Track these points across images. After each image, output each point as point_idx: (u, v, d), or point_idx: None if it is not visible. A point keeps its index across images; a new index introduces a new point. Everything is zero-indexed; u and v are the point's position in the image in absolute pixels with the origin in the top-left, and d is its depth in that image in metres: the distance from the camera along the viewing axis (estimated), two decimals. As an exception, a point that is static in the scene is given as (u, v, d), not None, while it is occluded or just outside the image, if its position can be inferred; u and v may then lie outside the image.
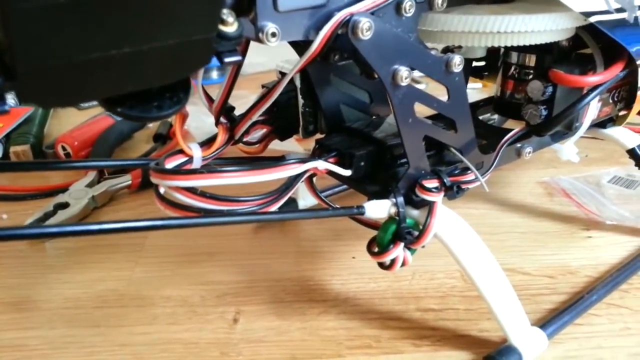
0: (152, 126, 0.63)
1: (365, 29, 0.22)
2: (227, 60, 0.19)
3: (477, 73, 0.41)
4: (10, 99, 0.46)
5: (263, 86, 0.31)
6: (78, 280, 0.37)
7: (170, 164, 0.25)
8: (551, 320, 0.31)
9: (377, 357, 0.31)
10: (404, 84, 0.25)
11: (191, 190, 0.23)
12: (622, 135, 0.39)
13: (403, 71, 0.24)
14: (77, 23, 0.15)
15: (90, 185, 0.47)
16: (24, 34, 0.15)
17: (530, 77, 0.33)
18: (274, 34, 0.21)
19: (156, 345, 0.32)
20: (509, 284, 0.29)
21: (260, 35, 0.21)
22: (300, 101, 0.32)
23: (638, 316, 0.33)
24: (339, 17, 0.22)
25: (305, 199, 0.43)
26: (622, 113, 0.38)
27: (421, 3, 0.25)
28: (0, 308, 0.35)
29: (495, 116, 0.44)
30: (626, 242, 0.40)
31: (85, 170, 0.50)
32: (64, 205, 0.44)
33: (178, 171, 0.24)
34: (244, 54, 0.25)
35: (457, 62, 0.26)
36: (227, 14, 0.19)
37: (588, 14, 0.28)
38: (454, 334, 0.32)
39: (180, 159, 0.26)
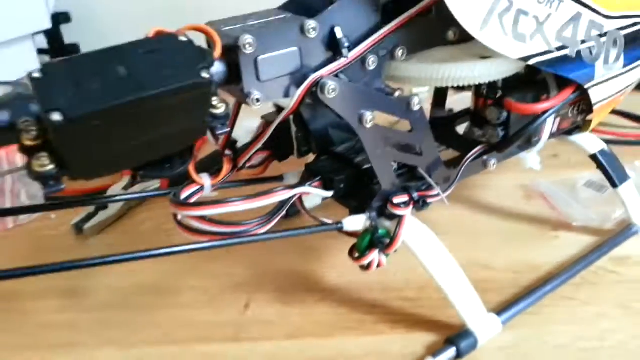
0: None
1: (331, 90, 0.29)
2: (218, 132, 0.26)
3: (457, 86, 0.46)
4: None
5: (262, 117, 0.38)
6: (117, 272, 0.44)
7: (185, 193, 0.32)
8: (506, 308, 0.37)
9: (360, 337, 0.37)
10: (368, 126, 0.31)
11: (202, 218, 0.30)
12: (585, 141, 0.43)
13: (368, 115, 0.31)
14: (107, 133, 0.22)
15: (125, 187, 0.55)
16: (72, 144, 0.22)
17: (498, 95, 0.38)
18: (258, 100, 0.28)
19: (183, 325, 0.39)
20: (466, 279, 0.35)
21: (247, 100, 0.28)
22: (293, 128, 0.38)
23: (586, 307, 0.38)
24: (310, 80, 0.29)
25: (310, 200, 0.49)
26: (587, 119, 0.42)
27: (384, 56, 0.31)
28: (55, 295, 0.43)
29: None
30: (590, 241, 0.45)
31: (121, 174, 0.58)
32: (104, 206, 0.52)
33: (191, 203, 0.31)
34: (237, 111, 0.32)
35: (416, 102, 0.32)
36: (217, 101, 0.25)
37: (526, 59, 0.33)
38: (426, 319, 0.38)
39: (194, 188, 0.33)
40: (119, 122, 0.22)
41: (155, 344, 0.38)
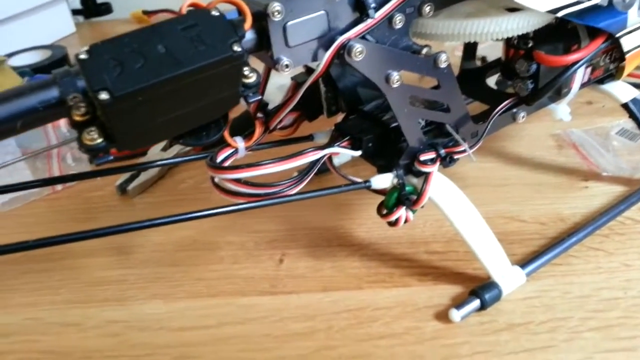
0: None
1: (358, 52, 0.29)
2: (250, 101, 0.27)
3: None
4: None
5: (292, 78, 0.38)
6: (161, 230, 0.47)
7: (221, 156, 0.34)
8: (530, 260, 0.38)
9: (389, 289, 0.39)
10: (395, 85, 0.31)
11: (237, 180, 0.32)
12: (617, 90, 0.43)
13: (394, 75, 0.31)
14: (150, 108, 0.24)
15: (164, 149, 0.57)
16: (119, 119, 0.23)
17: (530, 45, 0.38)
18: (287, 65, 0.29)
19: (223, 279, 0.42)
20: (491, 233, 0.36)
21: (277, 66, 0.29)
22: (322, 88, 0.39)
23: (611, 257, 0.39)
24: (337, 43, 0.29)
25: (339, 158, 0.50)
26: (620, 65, 0.42)
27: (410, 14, 0.32)
28: (104, 252, 0.46)
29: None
30: (618, 191, 0.45)
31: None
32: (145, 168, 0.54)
33: (226, 167, 0.33)
34: (267, 76, 0.33)
35: (443, 59, 0.32)
36: (248, 70, 0.26)
37: (555, 11, 0.33)
38: (453, 271, 0.40)
39: (229, 151, 0.34)
40: (160, 97, 0.24)
41: (197, 297, 0.40)
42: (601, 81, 0.43)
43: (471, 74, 0.46)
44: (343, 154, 0.35)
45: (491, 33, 0.33)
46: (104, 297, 0.41)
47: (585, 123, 0.54)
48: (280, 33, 0.29)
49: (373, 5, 0.30)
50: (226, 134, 0.34)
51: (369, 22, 0.30)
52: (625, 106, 0.43)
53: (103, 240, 0.46)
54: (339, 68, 0.39)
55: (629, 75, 0.44)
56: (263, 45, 0.29)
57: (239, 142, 0.35)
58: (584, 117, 0.55)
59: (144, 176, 0.54)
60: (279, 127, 0.38)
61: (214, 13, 0.25)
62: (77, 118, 0.23)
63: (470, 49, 0.47)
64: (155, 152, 0.57)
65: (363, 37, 0.30)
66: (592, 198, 0.45)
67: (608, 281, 0.37)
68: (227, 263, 0.43)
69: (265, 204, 0.32)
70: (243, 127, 0.37)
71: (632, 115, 0.43)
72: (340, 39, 0.30)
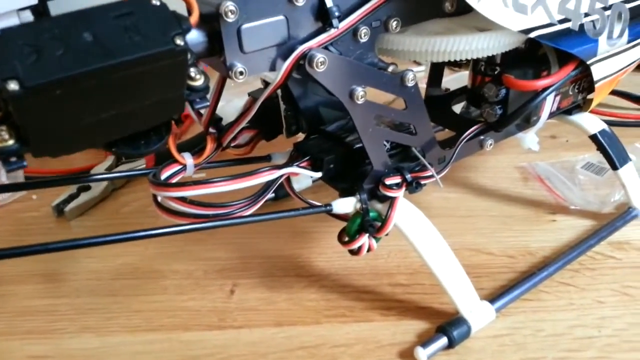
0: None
1: (320, 62, 0.27)
2: (197, 107, 0.24)
3: (454, 63, 0.44)
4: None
5: (249, 94, 0.36)
6: (99, 256, 0.43)
7: (166, 173, 0.30)
8: (500, 295, 0.36)
9: (349, 324, 0.36)
10: (360, 102, 0.29)
11: (182, 199, 0.28)
12: (586, 121, 0.42)
13: (359, 91, 0.29)
14: (72, 105, 0.20)
15: (109, 168, 0.53)
16: (32, 116, 0.20)
17: (497, 72, 0.36)
18: (241, 73, 0.26)
19: (165, 311, 0.38)
20: (459, 265, 0.34)
21: (230, 73, 0.26)
22: (282, 106, 0.36)
23: (583, 293, 0.37)
24: (297, 52, 0.27)
25: (300, 182, 0.47)
26: (588, 97, 0.41)
27: (377, 27, 0.29)
28: (33, 279, 0.41)
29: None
30: (587, 225, 0.43)
31: (105, 154, 0.56)
32: (86, 188, 0.50)
33: (171, 184, 0.29)
34: (221, 86, 0.30)
35: (410, 78, 0.30)
36: (195, 72, 0.23)
37: (527, 31, 0.31)
38: (418, 305, 0.37)
39: (176, 168, 0.31)
40: (84, 93, 0.20)
41: (134, 331, 0.36)
42: (568, 112, 0.42)
43: (437, 101, 0.44)
44: (302, 175, 0.33)
45: (460, 52, 0.31)
46: (28, 328, 0.37)
47: (550, 157, 0.53)
48: (234, 36, 0.26)
49: (337, 14, 0.28)
50: (173, 147, 0.31)
51: (332, 33, 0.28)
52: (593, 138, 0.42)
53: (32, 266, 0.42)
54: (300, 86, 0.36)
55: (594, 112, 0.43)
56: (215, 49, 0.26)
57: (187, 159, 0.32)
58: (548, 150, 0.54)
59: (84, 197, 0.49)
60: (233, 145, 0.35)
61: (155, 2, 0.22)
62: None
63: (436, 74, 0.45)
64: (100, 170, 0.52)
65: (326, 48, 0.28)
66: (561, 231, 0.43)
67: (581, 318, 0.35)
68: (171, 294, 0.39)
69: (213, 226, 0.29)
70: (195, 147, 0.34)
71: (600, 148, 0.42)
72: (301, 48, 0.27)
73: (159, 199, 0.30)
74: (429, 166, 0.33)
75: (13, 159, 0.21)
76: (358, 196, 0.32)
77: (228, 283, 0.40)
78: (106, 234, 0.27)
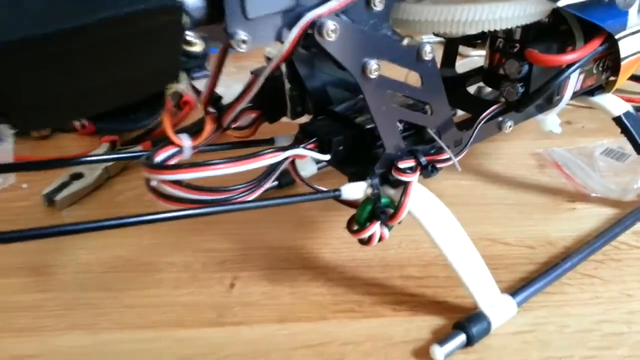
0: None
1: (331, 30, 0.24)
2: (195, 75, 0.21)
3: (469, 42, 0.41)
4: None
5: (252, 72, 0.33)
6: (90, 247, 0.40)
7: (161, 156, 0.27)
8: (521, 288, 0.33)
9: (358, 320, 0.33)
10: (373, 76, 0.26)
11: (178, 183, 0.25)
12: (609, 102, 0.40)
13: (372, 64, 0.26)
14: (53, 68, 0.18)
15: (102, 155, 0.50)
16: (8, 80, 0.17)
17: (516, 49, 0.34)
18: (244, 41, 0.23)
19: (160, 307, 0.35)
20: (479, 255, 0.31)
21: (231, 42, 0.23)
22: (287, 85, 0.33)
23: (609, 286, 0.35)
24: (306, 19, 0.24)
25: (305, 169, 0.45)
26: (611, 79, 0.39)
27: (392, -5, 0.27)
28: (19, 272, 0.38)
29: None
30: (608, 214, 0.41)
31: (99, 141, 0.53)
32: (79, 176, 0.47)
33: (165, 166, 0.27)
34: (222, 59, 0.27)
35: (427, 51, 0.28)
36: (193, 37, 0.20)
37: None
38: (432, 299, 0.35)
39: (172, 150, 0.28)
40: (69, 53, 0.17)
41: (127, 328, 0.34)
42: (590, 93, 0.40)
43: (451, 82, 0.41)
44: (308, 160, 0.30)
45: (483, 21, 0.28)
46: (13, 325, 0.34)
47: (566, 143, 0.50)
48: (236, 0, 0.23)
49: None
50: (168, 127, 0.28)
51: None
52: (617, 120, 0.40)
53: (17, 259, 0.39)
54: (307, 64, 0.33)
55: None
56: (215, 16, 0.23)
57: (185, 140, 0.29)
58: (564, 137, 0.51)
59: (76, 185, 0.46)
60: (234, 126, 0.32)
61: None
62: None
63: (449, 54, 0.42)
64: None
65: (336, 17, 0.25)
66: (581, 220, 0.41)
67: (608, 313, 0.33)
68: (167, 288, 0.37)
69: (212, 212, 0.26)
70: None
71: (624, 130, 0.40)
72: (311, 15, 0.24)
73: (153, 183, 0.27)
74: (446, 148, 0.31)
75: None
76: (369, 181, 0.29)
77: (228, 276, 0.37)
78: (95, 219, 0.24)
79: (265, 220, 0.42)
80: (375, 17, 0.27)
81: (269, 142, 0.35)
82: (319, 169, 0.45)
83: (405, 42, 0.28)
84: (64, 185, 0.46)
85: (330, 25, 0.24)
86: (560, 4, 0.29)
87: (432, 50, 0.28)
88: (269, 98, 0.34)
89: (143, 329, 0.33)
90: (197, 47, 0.21)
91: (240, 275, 0.38)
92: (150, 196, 0.28)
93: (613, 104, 0.39)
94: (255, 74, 0.33)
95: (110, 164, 0.49)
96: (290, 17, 0.25)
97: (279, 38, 0.25)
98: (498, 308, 0.31)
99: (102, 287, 0.37)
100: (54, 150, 0.54)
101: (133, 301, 0.36)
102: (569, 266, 0.35)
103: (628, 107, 0.40)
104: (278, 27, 0.25)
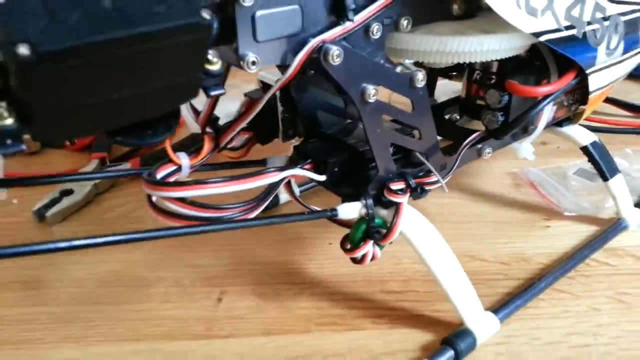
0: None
1: (336, 56, 0.26)
2: (212, 93, 0.22)
3: (445, 73, 0.44)
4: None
5: (245, 95, 0.34)
6: (82, 262, 0.41)
7: (161, 173, 0.28)
8: (503, 305, 0.35)
9: (340, 333, 0.35)
10: (371, 100, 0.28)
11: (182, 200, 0.27)
12: (577, 133, 0.42)
13: (370, 89, 0.28)
14: (83, 79, 0.18)
15: (93, 172, 0.51)
16: (39, 89, 0.18)
17: (492, 81, 0.36)
18: (254, 62, 0.25)
19: (150, 320, 0.36)
20: (464, 275, 0.33)
21: (241, 63, 0.24)
22: (280, 108, 0.35)
23: (579, 300, 0.37)
24: (312, 44, 0.26)
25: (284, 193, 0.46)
26: (579, 111, 0.41)
27: (388, 25, 0.29)
28: (12, 286, 0.39)
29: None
30: (582, 231, 0.43)
31: (89, 158, 0.54)
32: (69, 192, 0.48)
33: (169, 183, 0.28)
34: (225, 76, 0.28)
35: (420, 78, 0.29)
36: (212, 55, 0.22)
37: (538, 34, 0.31)
38: (411, 313, 0.36)
39: (170, 168, 0.29)
40: (101, 65, 0.18)
41: (118, 340, 0.34)
42: (559, 124, 0.42)
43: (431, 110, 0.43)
44: (306, 177, 0.31)
45: (471, 52, 0.30)
46: (4, 338, 0.35)
47: (542, 163, 0.52)
48: (248, 23, 0.25)
49: (353, 6, 0.27)
50: (168, 146, 0.29)
51: (347, 26, 0.27)
52: (584, 149, 0.42)
53: (9, 273, 0.40)
54: (300, 88, 0.35)
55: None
56: (226, 37, 0.25)
57: (183, 159, 0.30)
58: (539, 157, 0.52)
59: (66, 201, 0.47)
60: (229, 147, 0.34)
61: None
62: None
63: (430, 84, 0.45)
64: None
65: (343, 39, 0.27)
66: (555, 238, 0.43)
67: (577, 326, 0.35)
68: (157, 302, 0.38)
69: (213, 229, 0.27)
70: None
71: (591, 159, 0.42)
72: (316, 40, 0.26)
73: (154, 199, 0.28)
74: (434, 171, 0.33)
75: (9, 141, 0.19)
76: (363, 201, 0.31)
77: (216, 291, 0.39)
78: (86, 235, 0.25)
79: (252, 238, 0.43)
80: (372, 45, 0.29)
81: (261, 163, 0.36)
82: (301, 191, 0.46)
83: (399, 69, 0.30)
84: (54, 202, 0.47)
85: (335, 50, 0.26)
86: (542, 38, 0.31)
87: (424, 78, 0.29)
88: (262, 120, 0.35)
89: (133, 341, 0.34)
90: (216, 65, 0.22)
91: (228, 289, 0.39)
92: (141, 213, 0.29)
93: (580, 134, 0.42)
94: (250, 96, 0.35)
95: (99, 180, 0.50)
96: (296, 41, 0.27)
97: (284, 61, 0.27)
98: (482, 324, 0.33)
99: (93, 302, 0.38)
100: (43, 166, 0.55)
101: (123, 315, 0.36)
102: (543, 285, 0.37)
103: (594, 137, 0.42)
104: (284, 50, 0.27)
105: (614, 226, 0.43)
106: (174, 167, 0.30)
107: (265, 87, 0.34)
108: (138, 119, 0.22)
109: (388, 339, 0.34)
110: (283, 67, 0.28)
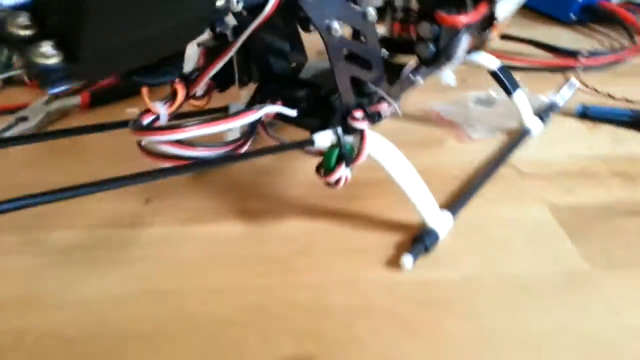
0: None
1: (310, -7, 0.28)
2: (218, 29, 0.24)
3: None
4: None
5: (199, 45, 0.35)
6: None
7: (146, 121, 0.29)
8: (454, 204, 0.41)
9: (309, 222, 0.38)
10: (337, 35, 0.31)
11: (178, 142, 0.28)
12: (486, 60, 0.49)
13: (335, 24, 0.31)
14: (127, 12, 0.19)
15: (47, 102, 0.57)
16: (93, 22, 0.18)
17: (414, 20, 0.41)
18: (237, 1, 0.26)
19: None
20: (423, 183, 0.38)
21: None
22: (235, 56, 0.36)
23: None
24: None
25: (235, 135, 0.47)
26: (485, 39, 0.47)
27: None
28: None
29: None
30: (492, 144, 0.50)
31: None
32: (24, 119, 0.54)
33: (161, 127, 0.29)
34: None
35: (371, 14, 0.33)
36: None
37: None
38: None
39: (150, 117, 0.30)
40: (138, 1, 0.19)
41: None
42: (468, 53, 0.48)
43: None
44: (282, 112, 0.34)
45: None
46: None
47: (443, 98, 0.59)
48: None
49: None
50: (146, 96, 0.30)
51: None
52: (493, 74, 0.49)
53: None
54: (252, 37, 0.36)
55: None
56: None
57: (160, 108, 0.31)
58: (439, 92, 0.59)
59: (20, 127, 0.53)
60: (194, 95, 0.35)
61: None
62: (20, 32, 0.18)
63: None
64: (38, 105, 0.57)
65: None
66: (471, 153, 0.49)
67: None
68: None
69: (207, 166, 0.29)
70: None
71: (498, 81, 0.49)
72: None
73: (144, 143, 0.29)
74: (387, 97, 0.36)
75: (57, 79, 0.19)
76: (333, 129, 0.34)
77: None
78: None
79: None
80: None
81: (224, 109, 0.37)
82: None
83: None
84: (9, 127, 0.53)
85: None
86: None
87: (375, 14, 0.33)
88: (221, 68, 0.36)
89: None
90: (221, 1, 0.23)
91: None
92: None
93: (489, 60, 0.49)
94: (204, 45, 0.36)
95: (52, 109, 0.56)
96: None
97: (260, -1, 0.28)
98: (441, 222, 0.38)
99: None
100: (5, 99, 0.61)
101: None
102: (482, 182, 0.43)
103: (499, 62, 0.49)
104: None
105: (522, 134, 0.51)
106: (154, 116, 0.31)
107: (219, 36, 0.35)
108: (163, 55, 0.23)
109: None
110: (251, 10, 0.29)
